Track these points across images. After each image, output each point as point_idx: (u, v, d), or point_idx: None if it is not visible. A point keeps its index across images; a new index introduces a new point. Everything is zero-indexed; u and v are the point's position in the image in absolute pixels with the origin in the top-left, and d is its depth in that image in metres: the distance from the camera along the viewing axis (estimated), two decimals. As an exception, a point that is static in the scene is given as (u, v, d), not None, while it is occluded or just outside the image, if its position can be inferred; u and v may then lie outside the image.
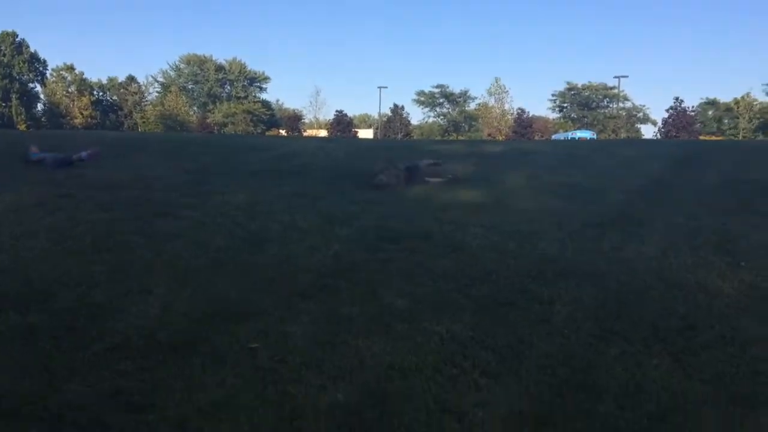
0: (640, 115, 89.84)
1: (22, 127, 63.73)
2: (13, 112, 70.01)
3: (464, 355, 4.08)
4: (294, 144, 17.55)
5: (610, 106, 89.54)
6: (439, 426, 3.28)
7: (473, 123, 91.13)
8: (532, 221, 7.46)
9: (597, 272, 5.67)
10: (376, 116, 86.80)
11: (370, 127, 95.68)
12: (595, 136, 61.69)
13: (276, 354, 4.03)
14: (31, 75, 75.98)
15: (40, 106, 78.64)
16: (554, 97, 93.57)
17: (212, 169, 10.89)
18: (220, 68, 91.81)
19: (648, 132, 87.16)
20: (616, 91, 79.65)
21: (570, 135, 60.26)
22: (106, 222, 7.23)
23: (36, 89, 77.94)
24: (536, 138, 69.41)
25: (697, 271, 5.74)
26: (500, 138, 70.89)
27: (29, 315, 4.63)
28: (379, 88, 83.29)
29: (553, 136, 67.48)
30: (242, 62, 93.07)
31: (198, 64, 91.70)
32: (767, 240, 6.84)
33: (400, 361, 3.97)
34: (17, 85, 72.83)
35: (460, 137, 78.50)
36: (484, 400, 3.54)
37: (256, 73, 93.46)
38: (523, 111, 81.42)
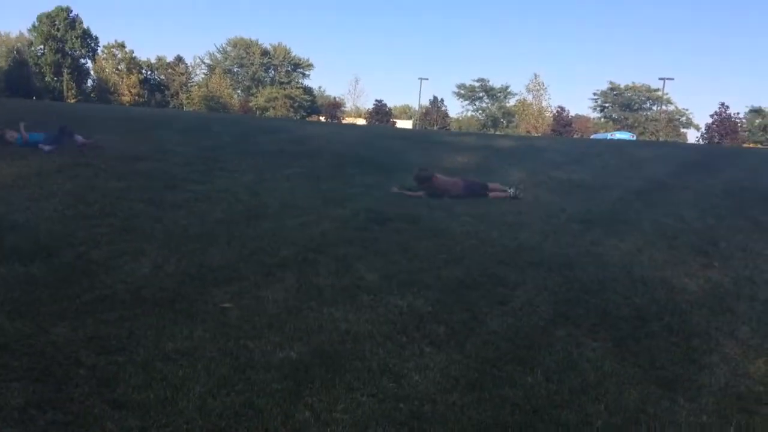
0: (683, 119, 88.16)
1: (72, 101, 65.49)
2: (64, 87, 71.87)
3: (418, 327, 4.39)
4: (310, 128, 17.97)
5: (653, 108, 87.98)
6: (376, 384, 3.61)
7: (512, 119, 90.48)
8: (522, 213, 7.71)
9: (568, 263, 5.92)
10: (416, 108, 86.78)
11: (410, 118, 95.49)
12: (634, 138, 60.84)
13: (245, 315, 4.41)
14: (83, 51, 77.56)
15: (90, 82, 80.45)
16: (596, 97, 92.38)
17: (228, 148, 11.34)
18: (265, 53, 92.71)
19: (692, 137, 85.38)
20: (660, 93, 78.22)
21: (609, 136, 59.49)
22: (118, 190, 7.71)
23: (87, 65, 79.72)
24: (574, 137, 68.68)
25: (667, 268, 5.95)
26: (536, 135, 70.31)
27: (32, 266, 5.10)
28: (420, 79, 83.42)
29: (592, 136, 66.71)
30: (287, 47, 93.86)
31: (244, 47, 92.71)
32: (748, 244, 6.98)
33: (356, 328, 4.31)
34: (69, 60, 74.55)
35: (497, 133, 78.11)
36: (423, 366, 3.86)
37: (300, 59, 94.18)
38: (563, 109, 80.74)
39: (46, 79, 71.82)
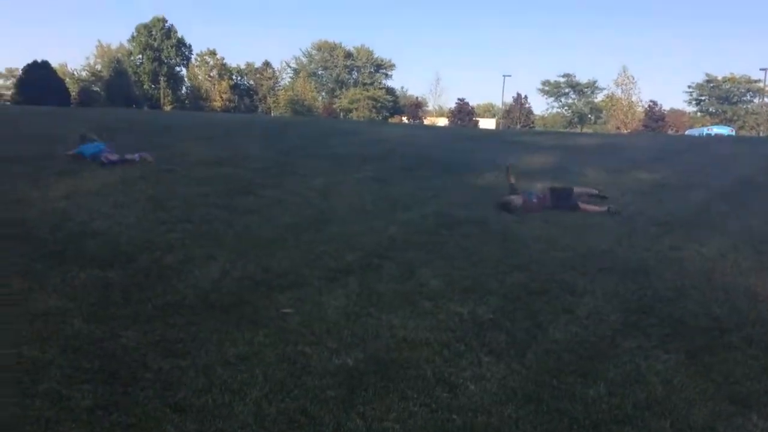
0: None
1: (168, 107, 68.86)
2: (161, 94, 75.80)
3: (477, 334, 4.32)
4: (386, 130, 18.04)
5: (753, 101, 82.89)
6: (430, 394, 3.57)
7: (600, 115, 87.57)
8: (597, 216, 7.44)
9: (643, 269, 5.67)
10: (500, 105, 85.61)
11: (493, 116, 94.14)
12: (733, 133, 57.43)
13: (305, 320, 4.47)
14: (177, 59, 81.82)
15: (184, 89, 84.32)
16: (691, 89, 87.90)
17: (301, 152, 11.56)
18: (348, 55, 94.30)
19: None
20: (761, 84, 73.63)
21: (705, 131, 56.37)
22: (196, 196, 8.02)
23: (182, 72, 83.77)
24: (668, 132, 65.61)
25: (751, 275, 5.59)
26: (625, 131, 67.77)
27: (110, 271, 5.37)
28: (504, 76, 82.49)
29: (687, 132, 63.49)
30: (369, 49, 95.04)
31: (328, 50, 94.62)
32: None
33: (413, 335, 4.28)
34: (165, 69, 78.69)
35: (585, 129, 75.83)
36: (480, 376, 3.78)
37: (382, 60, 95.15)
38: (654, 103, 77.50)
39: (145, 87, 75.90)
